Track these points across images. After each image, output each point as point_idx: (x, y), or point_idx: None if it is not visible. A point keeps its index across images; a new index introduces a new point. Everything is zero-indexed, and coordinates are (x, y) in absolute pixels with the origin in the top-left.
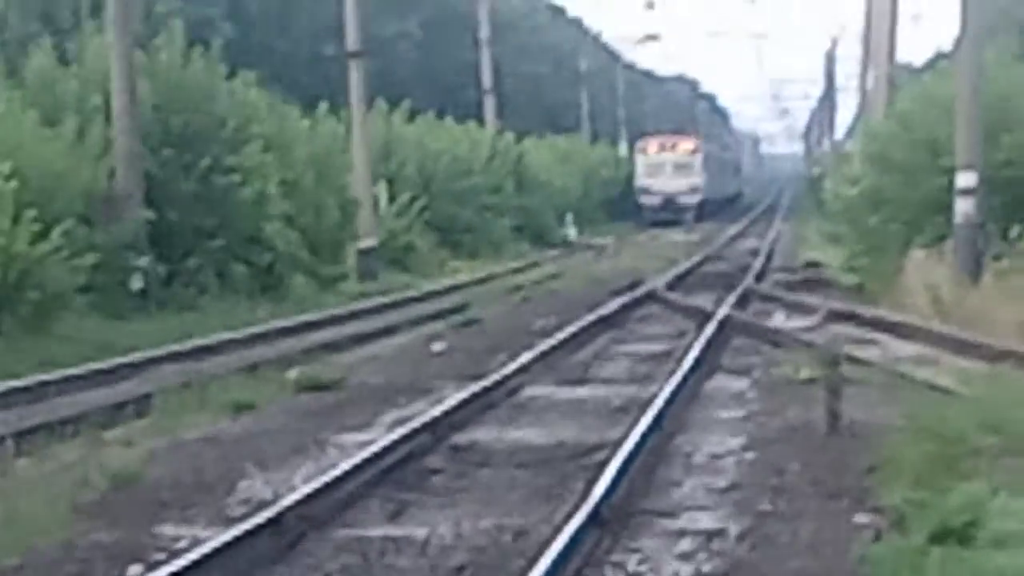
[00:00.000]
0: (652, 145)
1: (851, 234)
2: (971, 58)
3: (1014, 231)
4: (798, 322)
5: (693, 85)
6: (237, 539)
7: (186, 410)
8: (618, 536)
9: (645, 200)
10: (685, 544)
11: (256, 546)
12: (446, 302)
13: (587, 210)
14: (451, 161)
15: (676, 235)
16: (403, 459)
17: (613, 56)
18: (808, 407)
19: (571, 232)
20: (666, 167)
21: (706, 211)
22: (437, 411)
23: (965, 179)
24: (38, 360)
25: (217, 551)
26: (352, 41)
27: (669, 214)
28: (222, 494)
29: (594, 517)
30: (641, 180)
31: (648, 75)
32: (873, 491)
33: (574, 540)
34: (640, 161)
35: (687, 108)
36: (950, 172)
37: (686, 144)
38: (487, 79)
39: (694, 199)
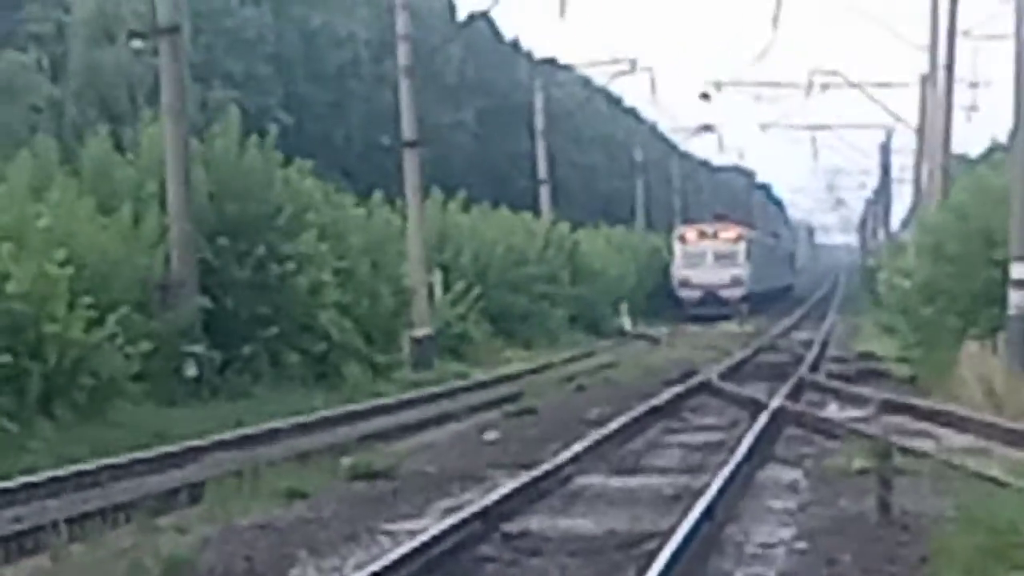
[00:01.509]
0: (691, 233)
1: (905, 325)
2: None
3: None
4: (851, 413)
5: (749, 175)
6: None
7: (239, 497)
8: None
9: (684, 293)
10: None
11: None
12: (500, 391)
13: (641, 300)
14: (506, 250)
15: (730, 326)
16: (455, 547)
17: (669, 145)
18: (860, 498)
19: (625, 322)
20: (707, 257)
21: (753, 304)
22: (490, 499)
23: (1019, 271)
24: (92, 446)
25: None
26: (408, 130)
27: (710, 308)
28: None
29: None
30: (679, 271)
31: (704, 164)
32: None
33: None
34: (678, 250)
35: (742, 197)
36: (1004, 264)
37: (728, 232)
38: (542, 169)
39: (737, 292)
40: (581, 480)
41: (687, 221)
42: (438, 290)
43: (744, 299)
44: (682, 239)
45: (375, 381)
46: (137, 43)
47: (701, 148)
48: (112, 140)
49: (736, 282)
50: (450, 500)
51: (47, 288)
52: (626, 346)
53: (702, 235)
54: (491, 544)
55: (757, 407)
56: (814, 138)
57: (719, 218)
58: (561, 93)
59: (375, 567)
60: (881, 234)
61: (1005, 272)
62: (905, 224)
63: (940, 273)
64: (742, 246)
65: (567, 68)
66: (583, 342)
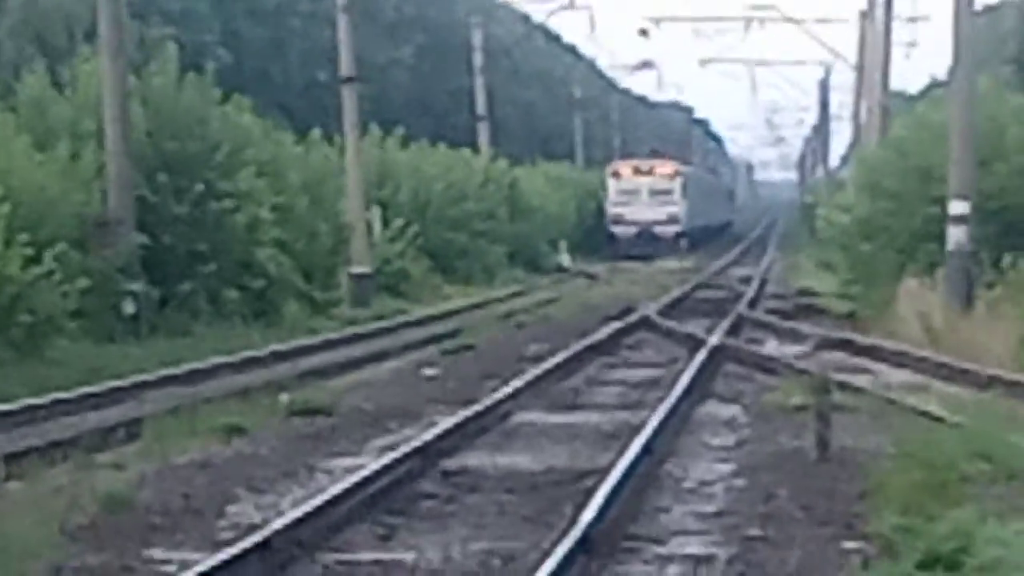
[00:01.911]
0: (625, 168)
1: (844, 262)
2: (964, 87)
3: (1006, 259)
4: (790, 349)
5: (688, 111)
6: (226, 563)
7: (177, 434)
8: (606, 562)
9: (617, 230)
10: (673, 570)
11: (245, 570)
12: (439, 328)
13: (580, 237)
14: (445, 187)
15: (669, 263)
16: (393, 484)
17: (608, 82)
18: (798, 434)
19: (565, 259)
20: (641, 193)
21: (691, 241)
22: (428, 436)
23: (957, 207)
24: (29, 384)
25: (206, 575)
26: (346, 67)
27: (645, 246)
28: (212, 518)
29: (583, 543)
30: (613, 208)
31: (642, 101)
32: (862, 518)
33: (562, 566)
34: (612, 187)
35: (682, 134)
36: (943, 200)
37: (664, 168)
38: (481, 105)
39: (673, 229)
40: (520, 417)
41: (622, 156)
42: (377, 227)
43: (680, 236)
44: (616, 175)
45: (313, 318)
46: None
47: (640, 85)
48: (49, 77)
49: (672, 219)
50: (389, 437)
51: None
52: (565, 283)
53: (637, 171)
54: (430, 481)
55: (696, 343)
56: (753, 74)
57: (655, 153)
58: (500, 30)
59: (313, 503)
60: (820, 171)
61: (944, 209)
62: (844, 161)
63: (879, 209)
64: (678, 182)
65: (505, 5)
66: (522, 279)
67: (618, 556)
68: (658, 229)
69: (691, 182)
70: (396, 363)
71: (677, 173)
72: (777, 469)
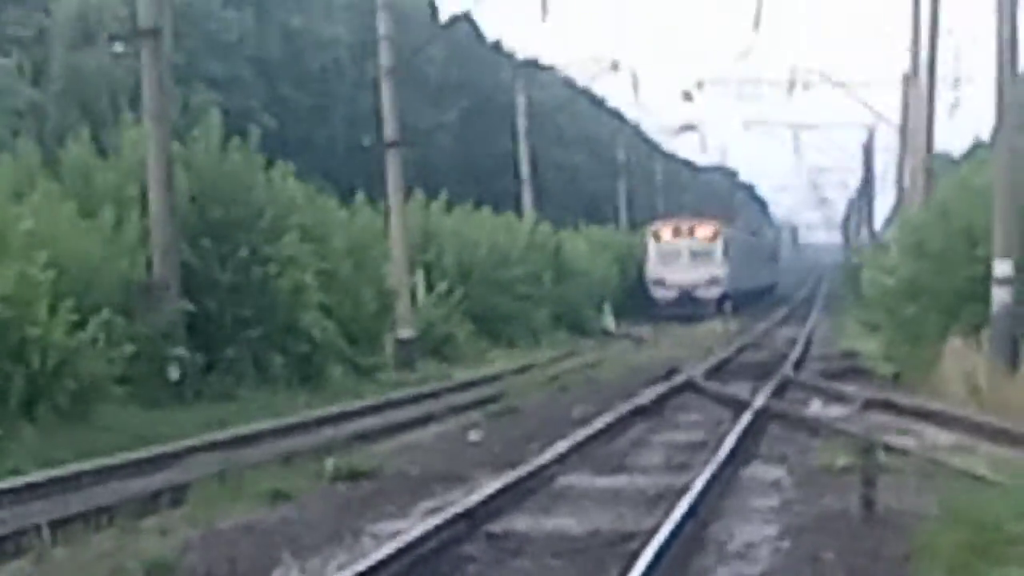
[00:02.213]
0: (666, 229)
1: (889, 323)
2: (1007, 147)
3: None
4: (835, 411)
5: (732, 174)
6: None
7: (222, 500)
8: None
9: (658, 293)
10: None
11: None
12: (484, 391)
13: (624, 300)
14: (489, 251)
15: (714, 324)
16: (439, 548)
17: (652, 146)
18: (844, 495)
19: (609, 321)
20: (682, 255)
21: (733, 304)
22: (473, 500)
23: (1002, 268)
24: (75, 449)
25: None
26: (390, 131)
27: (685, 309)
28: None
29: None
30: (653, 270)
31: (687, 164)
32: None
33: None
34: (652, 248)
35: (726, 197)
36: (987, 261)
37: (705, 229)
38: (525, 169)
39: (714, 292)
40: (564, 480)
41: (661, 217)
42: (421, 291)
43: (723, 299)
44: (656, 236)
45: (358, 382)
46: (118, 46)
47: (684, 148)
48: (93, 143)
49: (713, 281)
50: (433, 500)
51: (29, 291)
52: (609, 346)
53: (677, 232)
54: (475, 544)
55: (741, 406)
56: (797, 136)
57: (696, 214)
58: (544, 94)
59: (359, 568)
60: (864, 232)
61: (988, 269)
62: (888, 222)
63: (923, 270)
64: (719, 243)
65: (549, 69)
66: (566, 342)
67: None
68: (699, 292)
69: (733, 243)
70: (441, 427)
71: (718, 234)
72: (822, 531)
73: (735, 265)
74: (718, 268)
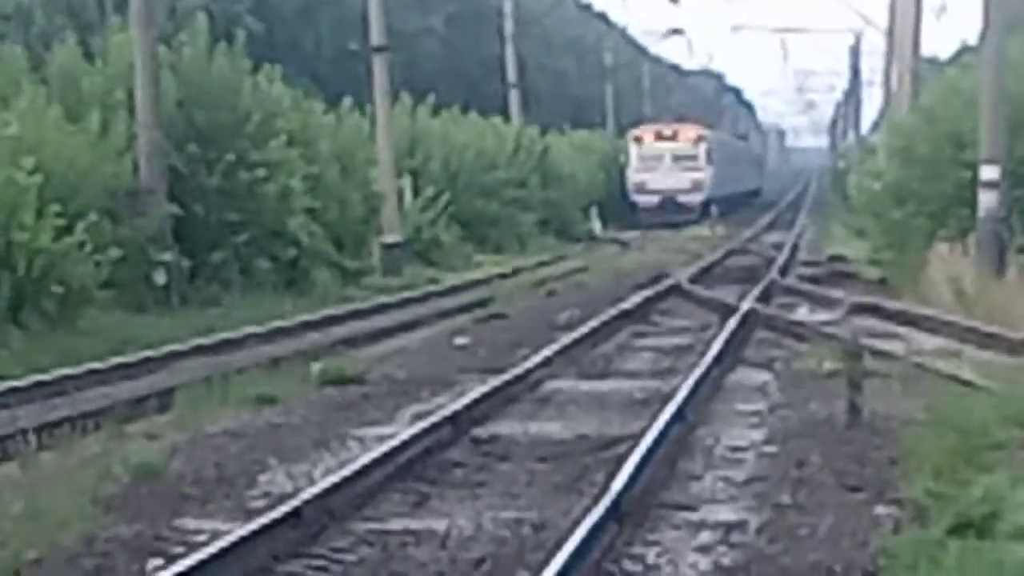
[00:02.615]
0: (647, 134)
1: (875, 228)
2: (995, 51)
3: None
4: (821, 315)
5: (719, 78)
6: (257, 532)
7: (209, 404)
8: (637, 529)
9: (639, 198)
10: (704, 537)
11: (276, 539)
12: (470, 296)
13: (612, 204)
14: (476, 155)
15: (701, 230)
16: (424, 452)
17: (639, 50)
18: (830, 400)
19: (596, 226)
20: (664, 159)
21: (720, 209)
22: (459, 404)
23: (988, 172)
24: (61, 354)
25: (237, 544)
26: (376, 36)
27: (668, 215)
28: (243, 487)
29: (613, 510)
30: (635, 175)
31: (674, 69)
32: (893, 483)
33: (592, 534)
34: (633, 153)
35: (713, 101)
36: (974, 166)
37: (688, 133)
38: (512, 73)
39: (698, 197)
40: (551, 385)
41: (642, 121)
42: (408, 196)
43: (707, 204)
44: (637, 140)
45: (345, 287)
46: None
47: (671, 52)
48: (80, 48)
49: (696, 186)
50: (420, 405)
51: (16, 196)
52: (596, 250)
53: (659, 136)
54: (461, 449)
55: (727, 310)
56: (784, 41)
57: (678, 118)
58: None
59: (345, 472)
60: (851, 137)
61: (975, 174)
62: (875, 127)
63: (910, 175)
64: (703, 147)
65: None
66: (553, 247)
67: (649, 524)
68: (682, 197)
69: (717, 147)
70: (427, 332)
71: (702, 138)
72: (808, 435)
73: (719, 169)
74: (701, 172)
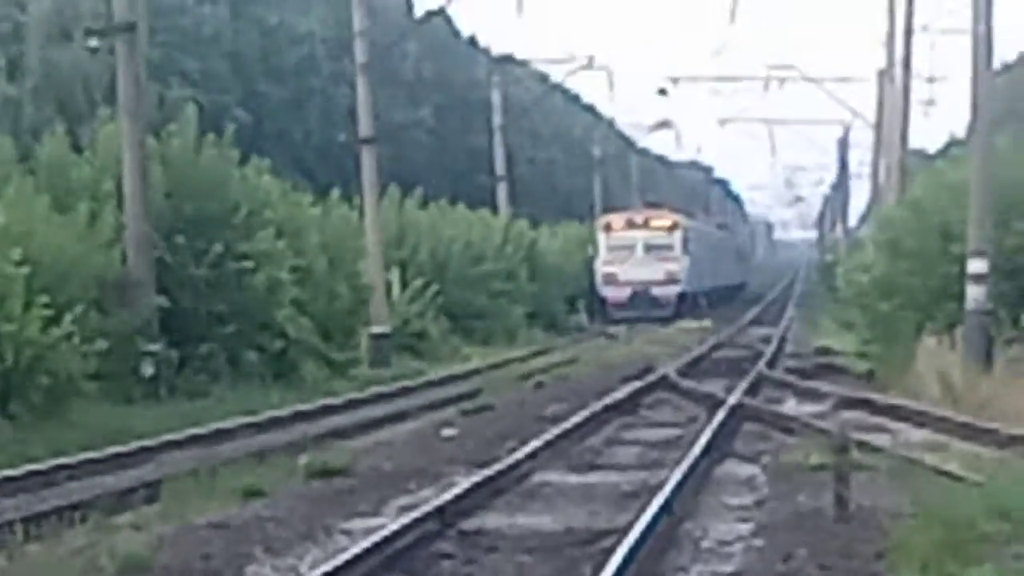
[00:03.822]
0: (618, 221)
1: (863, 321)
2: (982, 145)
3: None
4: (809, 408)
5: (707, 170)
6: None
7: (196, 496)
8: None
9: (608, 292)
10: None
11: None
12: (458, 388)
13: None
14: (464, 247)
15: (689, 323)
16: (412, 544)
17: (627, 142)
18: (817, 493)
19: (583, 319)
20: (636, 249)
21: (693, 306)
22: (446, 497)
23: (976, 266)
24: (48, 446)
25: None
26: (365, 128)
27: (640, 310)
28: None
29: None
30: (604, 267)
31: (662, 160)
32: None
33: None
34: (602, 242)
35: (702, 193)
36: (962, 259)
37: (661, 220)
38: (500, 165)
39: (672, 290)
40: (539, 477)
41: (612, 209)
42: (396, 287)
43: (682, 299)
44: (607, 228)
45: (333, 379)
46: (93, 41)
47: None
48: (69, 139)
49: (671, 278)
50: (407, 498)
51: (3, 287)
52: (584, 343)
53: (630, 224)
54: (448, 541)
55: (715, 403)
56: (772, 133)
57: (651, 205)
58: (519, 90)
59: (331, 565)
60: (839, 229)
61: (962, 267)
62: (863, 219)
63: (898, 268)
64: (678, 235)
65: (524, 64)
66: (541, 339)
67: None
68: (656, 290)
69: (694, 236)
70: (415, 424)
71: (676, 225)
72: (796, 528)
73: (697, 260)
74: (676, 263)
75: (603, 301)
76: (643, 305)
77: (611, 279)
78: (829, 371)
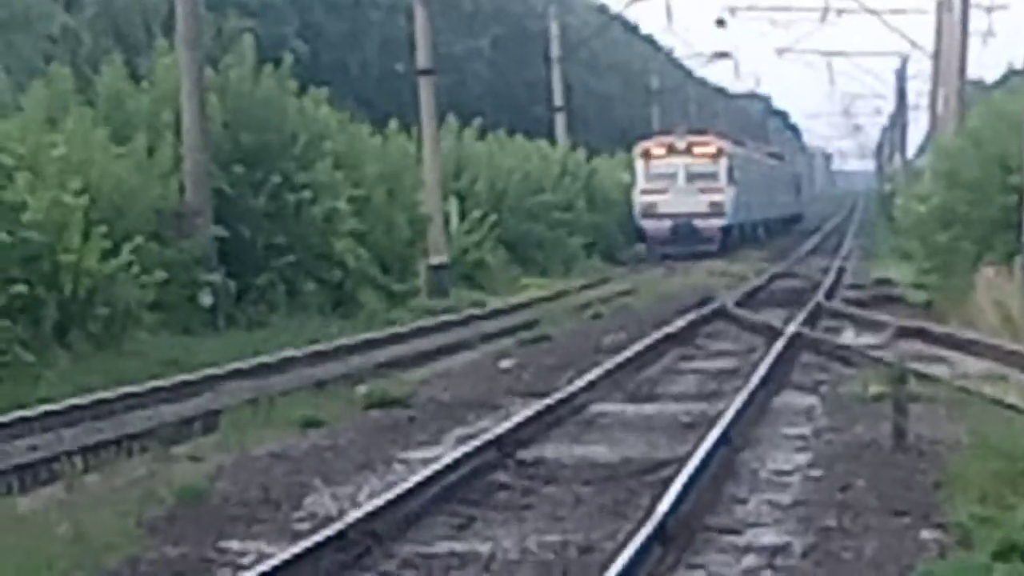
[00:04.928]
0: (657, 148)
1: (921, 251)
2: None
3: None
4: (867, 339)
5: (765, 101)
6: (301, 555)
7: (254, 426)
8: (682, 553)
9: (648, 225)
10: (749, 560)
11: (321, 562)
12: (516, 319)
13: None
14: (522, 178)
15: (751, 251)
16: (469, 475)
17: (685, 72)
18: (875, 424)
19: (642, 249)
20: (677, 178)
21: (741, 240)
22: (504, 427)
23: None
24: (107, 376)
25: (282, 567)
26: (423, 59)
27: (682, 244)
28: (288, 509)
29: (658, 533)
30: (642, 197)
31: (720, 91)
32: (939, 508)
33: (637, 557)
34: (640, 171)
35: (759, 124)
36: (1020, 189)
37: (705, 147)
38: (558, 96)
39: (717, 223)
40: (596, 407)
41: (654, 134)
42: (454, 218)
43: (728, 231)
44: (645, 155)
45: (391, 309)
46: None
47: (717, 75)
48: (127, 69)
49: (716, 210)
50: (465, 428)
51: (63, 217)
52: (642, 273)
53: (671, 150)
54: (506, 472)
55: (773, 333)
56: (830, 64)
57: (694, 130)
58: (577, 21)
59: (390, 495)
60: (898, 160)
61: (1021, 198)
62: (922, 150)
63: (956, 199)
64: (723, 164)
65: None
66: (599, 269)
67: (694, 547)
68: (699, 222)
69: (741, 164)
70: (473, 354)
71: (721, 152)
72: (854, 459)
73: (745, 191)
74: (721, 194)
75: (641, 233)
76: (685, 239)
77: (650, 210)
78: (887, 301)
